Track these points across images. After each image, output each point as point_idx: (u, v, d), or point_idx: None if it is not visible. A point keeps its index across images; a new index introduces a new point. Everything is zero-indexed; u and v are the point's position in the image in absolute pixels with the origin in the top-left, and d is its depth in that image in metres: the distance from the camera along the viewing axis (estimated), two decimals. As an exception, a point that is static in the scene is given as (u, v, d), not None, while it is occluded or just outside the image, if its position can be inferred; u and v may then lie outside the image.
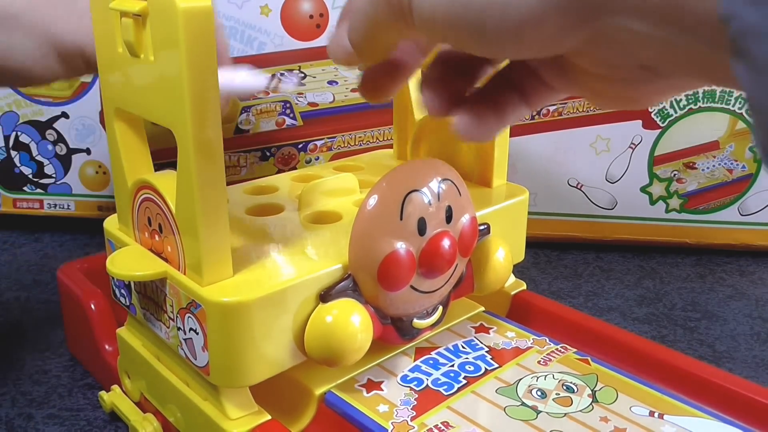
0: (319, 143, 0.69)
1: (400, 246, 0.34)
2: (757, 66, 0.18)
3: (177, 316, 0.34)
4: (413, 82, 0.48)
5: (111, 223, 0.39)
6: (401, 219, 0.34)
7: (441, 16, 0.24)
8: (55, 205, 0.71)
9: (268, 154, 0.69)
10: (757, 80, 0.18)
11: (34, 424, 0.44)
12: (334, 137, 0.69)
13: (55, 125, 0.69)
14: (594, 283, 0.64)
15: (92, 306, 0.45)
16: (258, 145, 0.68)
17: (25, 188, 0.71)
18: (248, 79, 0.40)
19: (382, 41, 0.29)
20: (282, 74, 0.68)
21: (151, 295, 0.36)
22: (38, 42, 0.43)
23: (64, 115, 0.69)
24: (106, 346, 0.44)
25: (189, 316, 0.33)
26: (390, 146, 0.53)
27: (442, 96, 0.30)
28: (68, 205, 0.71)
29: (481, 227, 0.40)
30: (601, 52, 0.24)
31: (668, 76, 0.25)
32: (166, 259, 0.34)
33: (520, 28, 0.23)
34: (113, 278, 0.39)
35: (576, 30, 0.23)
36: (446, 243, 0.35)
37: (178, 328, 0.34)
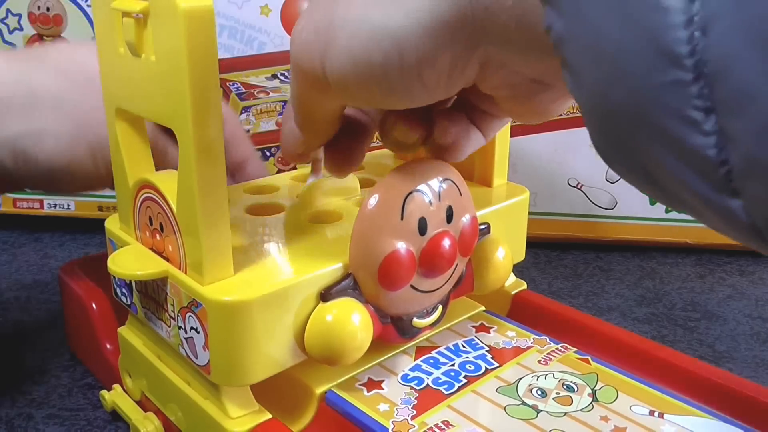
0: (319, 143, 0.69)
1: (401, 245, 0.34)
2: (572, 70, 0.19)
3: (178, 315, 0.34)
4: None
5: (112, 223, 0.39)
6: (402, 219, 0.34)
7: (351, 78, 0.26)
8: (55, 205, 0.71)
9: (268, 154, 0.69)
10: (575, 83, 0.19)
11: (34, 424, 0.44)
12: (334, 137, 0.69)
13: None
14: (594, 283, 0.65)
15: (93, 305, 0.45)
16: (258, 145, 0.68)
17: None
18: None
19: (319, 116, 0.31)
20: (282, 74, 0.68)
21: (152, 294, 0.36)
22: (74, 130, 0.40)
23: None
24: (107, 345, 0.44)
25: (190, 315, 0.33)
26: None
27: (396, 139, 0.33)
28: (68, 205, 0.71)
29: (482, 227, 0.40)
30: (493, 76, 0.27)
31: (553, 86, 0.28)
32: (167, 259, 0.35)
33: (419, 69, 0.25)
34: (114, 277, 0.39)
35: (466, 61, 0.25)
36: (447, 243, 0.35)
37: (179, 327, 0.34)
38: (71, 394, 0.46)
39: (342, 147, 0.34)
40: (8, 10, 0.69)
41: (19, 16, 0.70)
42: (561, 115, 0.67)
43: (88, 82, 0.41)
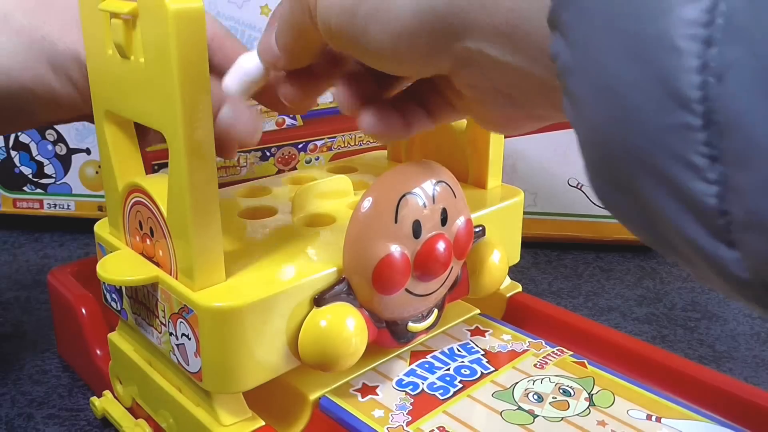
0: (319, 143, 0.69)
1: (395, 249, 0.33)
2: (574, 101, 0.19)
3: (169, 322, 0.34)
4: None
5: (102, 227, 0.39)
6: (396, 222, 0.33)
7: (334, 23, 0.26)
8: (55, 205, 0.71)
9: (268, 154, 0.68)
10: (576, 114, 0.19)
11: (34, 424, 0.43)
12: (334, 137, 0.69)
13: (55, 125, 0.69)
14: (594, 283, 0.64)
15: (83, 310, 0.45)
16: (258, 145, 0.68)
17: (25, 188, 0.71)
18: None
19: (302, 45, 0.30)
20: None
21: (142, 300, 0.35)
22: (26, 44, 0.39)
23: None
24: (98, 351, 0.44)
25: (181, 322, 0.33)
26: (386, 147, 0.53)
27: (354, 94, 0.31)
28: (68, 205, 0.71)
29: (477, 229, 0.39)
30: (466, 74, 0.26)
31: (524, 105, 0.27)
32: (157, 264, 0.34)
33: (397, 42, 0.25)
34: (104, 283, 0.39)
35: (443, 50, 0.25)
36: (441, 246, 0.35)
37: (170, 334, 0.34)
38: (71, 394, 0.46)
39: (304, 79, 0.33)
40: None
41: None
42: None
43: None
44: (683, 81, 0.16)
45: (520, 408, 0.35)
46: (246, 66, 0.33)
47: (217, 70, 0.37)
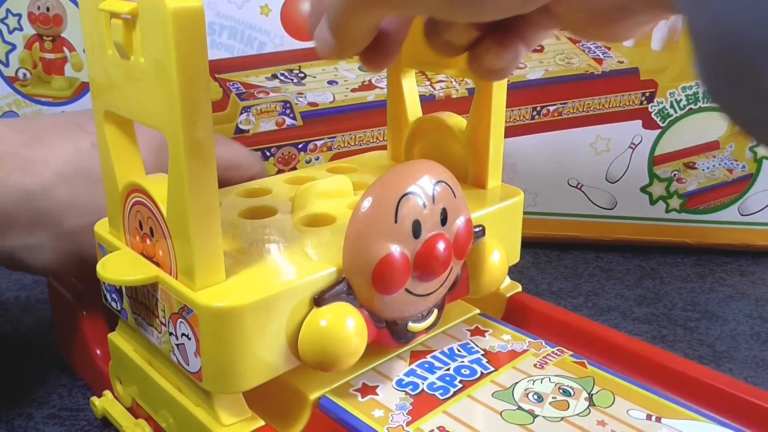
0: (319, 143, 0.69)
1: (395, 249, 0.33)
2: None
3: (169, 321, 0.33)
4: (408, 83, 0.48)
5: (101, 227, 0.39)
6: (396, 221, 0.33)
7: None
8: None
9: (268, 154, 0.68)
10: (697, 7, 0.18)
11: (34, 424, 0.43)
12: (334, 137, 0.69)
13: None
14: (594, 283, 0.64)
15: (83, 310, 0.45)
16: (258, 145, 0.68)
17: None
18: None
19: (364, 27, 0.30)
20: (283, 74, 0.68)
21: (142, 300, 0.35)
22: (65, 247, 0.42)
23: (64, 115, 0.69)
24: (97, 351, 0.44)
25: (181, 322, 0.33)
26: (385, 147, 0.53)
27: (446, 41, 0.31)
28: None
29: (476, 229, 0.39)
30: (579, 1, 0.26)
31: (639, 12, 0.27)
32: (157, 264, 0.34)
33: None
34: (104, 282, 0.39)
35: None
36: (441, 246, 0.35)
37: (170, 334, 0.34)
38: (71, 394, 0.46)
39: (378, 46, 0.33)
40: (8, 10, 0.69)
41: (19, 16, 0.69)
42: (561, 115, 0.67)
43: (89, 187, 0.42)
44: None
45: (520, 408, 0.35)
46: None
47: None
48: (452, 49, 0.33)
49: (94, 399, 0.43)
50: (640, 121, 0.66)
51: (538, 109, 0.67)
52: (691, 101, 0.65)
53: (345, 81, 0.68)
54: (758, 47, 0.17)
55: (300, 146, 0.68)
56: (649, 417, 0.34)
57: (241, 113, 0.68)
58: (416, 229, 0.34)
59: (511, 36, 0.31)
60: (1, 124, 0.44)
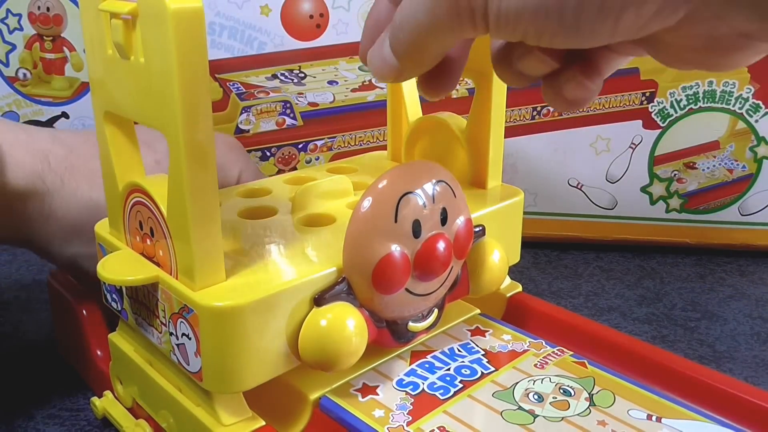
0: (319, 143, 0.69)
1: (395, 248, 0.33)
2: None
3: (169, 321, 0.33)
4: (408, 83, 0.48)
5: (102, 227, 0.39)
6: (396, 221, 0.33)
7: (529, 16, 0.24)
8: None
9: (268, 154, 0.68)
10: None
11: (34, 424, 0.43)
12: (334, 137, 0.69)
13: (55, 125, 0.69)
14: (594, 283, 0.64)
15: (83, 311, 0.45)
16: (258, 145, 0.68)
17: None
18: None
19: (437, 50, 0.28)
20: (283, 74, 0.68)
21: (142, 300, 0.35)
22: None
23: (65, 115, 0.69)
24: (98, 352, 0.44)
25: (181, 321, 0.33)
26: (385, 147, 0.53)
27: (519, 71, 0.29)
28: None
29: (477, 229, 0.39)
30: (699, 26, 0.24)
31: (764, 40, 0.24)
32: (157, 264, 0.34)
33: (620, 13, 0.22)
34: (104, 283, 0.39)
35: (677, 9, 0.22)
36: (441, 245, 0.35)
37: (171, 334, 0.34)
38: (71, 394, 0.46)
39: (442, 71, 0.31)
40: (8, 10, 0.69)
41: (19, 16, 0.69)
42: (561, 115, 0.67)
43: None
44: None
45: (520, 408, 0.35)
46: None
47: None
48: (524, 80, 0.30)
49: (95, 399, 0.43)
50: (641, 121, 0.66)
51: (538, 109, 0.67)
52: (691, 101, 0.65)
53: (345, 81, 0.68)
54: None
55: (300, 146, 0.68)
56: (649, 417, 0.34)
57: (241, 113, 0.68)
58: (416, 229, 0.34)
59: (593, 64, 0.29)
60: (76, 136, 0.46)
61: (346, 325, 0.33)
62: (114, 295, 0.38)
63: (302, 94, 0.68)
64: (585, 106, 0.30)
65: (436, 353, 0.39)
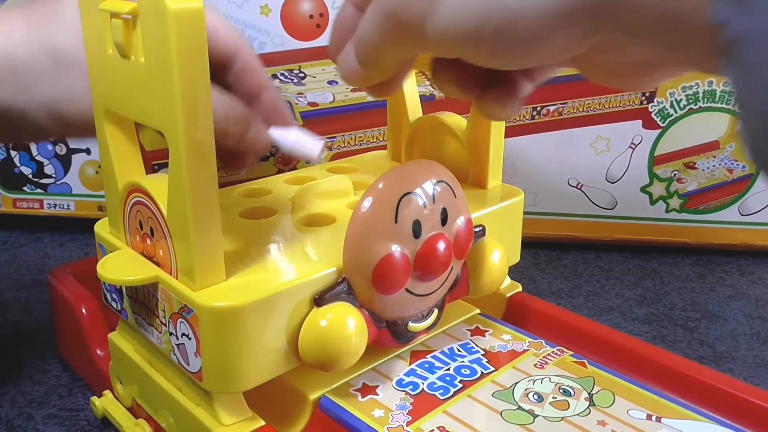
0: (319, 143, 0.69)
1: (395, 249, 0.33)
2: (749, 71, 0.18)
3: (169, 321, 0.33)
4: (408, 83, 0.48)
5: (102, 227, 0.39)
6: (396, 221, 0.33)
7: (454, 38, 0.26)
8: (55, 205, 0.71)
9: (268, 154, 0.68)
10: (750, 85, 0.18)
11: (34, 424, 0.43)
12: (334, 137, 0.69)
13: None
14: (594, 283, 0.64)
15: (83, 310, 0.45)
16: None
17: (25, 188, 0.71)
18: (301, 140, 0.39)
19: (395, 61, 0.30)
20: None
21: (142, 300, 0.35)
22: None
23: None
24: (98, 351, 0.44)
25: (181, 321, 0.33)
26: (385, 147, 0.53)
27: (459, 80, 0.31)
28: (68, 205, 0.71)
29: (477, 229, 0.39)
30: (605, 56, 0.26)
31: (665, 67, 0.27)
32: (157, 263, 0.34)
33: (530, 46, 0.24)
34: (104, 282, 0.39)
35: (581, 43, 0.25)
36: (441, 245, 0.35)
37: (171, 333, 0.34)
38: (71, 394, 0.46)
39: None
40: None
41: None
42: (561, 115, 0.66)
43: None
44: None
45: (520, 408, 0.35)
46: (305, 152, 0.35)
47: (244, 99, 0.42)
48: (458, 93, 0.32)
49: (94, 399, 0.43)
50: (640, 121, 0.66)
51: (538, 109, 0.67)
52: (691, 101, 0.65)
53: (345, 81, 0.68)
54: None
55: (300, 146, 0.68)
56: (649, 417, 0.34)
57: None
58: (416, 229, 0.34)
59: (520, 81, 0.31)
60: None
61: (346, 325, 0.33)
62: (114, 295, 0.38)
63: (302, 94, 0.68)
64: (509, 118, 0.33)
65: (436, 353, 0.39)
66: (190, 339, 0.32)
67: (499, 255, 0.40)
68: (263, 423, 0.34)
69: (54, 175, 0.70)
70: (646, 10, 0.22)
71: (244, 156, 0.45)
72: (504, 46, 0.25)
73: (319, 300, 0.33)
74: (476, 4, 0.24)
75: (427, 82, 0.68)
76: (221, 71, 0.45)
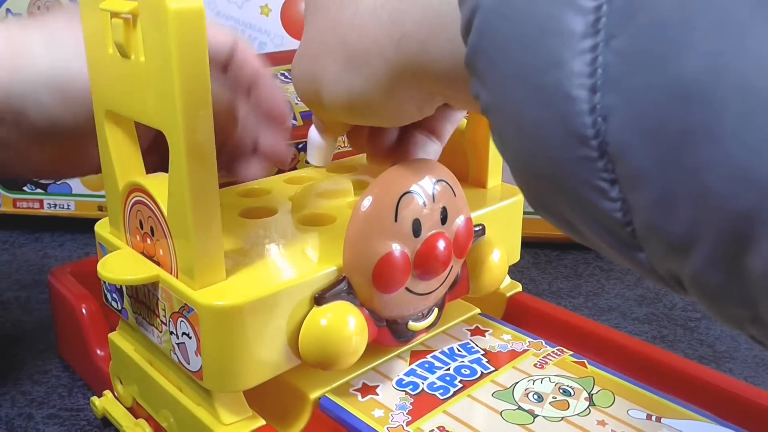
0: (318, 143, 0.68)
1: (395, 248, 0.33)
2: (499, 135, 0.22)
3: (169, 321, 0.34)
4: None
5: (102, 227, 0.39)
6: (396, 220, 0.33)
7: (340, 112, 0.32)
8: (55, 205, 0.71)
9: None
10: (502, 146, 0.22)
11: (34, 424, 0.43)
12: (334, 137, 0.69)
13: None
14: (594, 283, 0.64)
15: (83, 310, 0.45)
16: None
17: (25, 188, 0.71)
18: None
19: (326, 120, 0.36)
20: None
21: (143, 299, 0.35)
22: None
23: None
24: (98, 351, 0.44)
25: (182, 321, 0.33)
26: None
27: (376, 145, 0.37)
28: (68, 205, 0.71)
29: (477, 228, 0.39)
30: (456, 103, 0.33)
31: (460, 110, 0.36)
32: (158, 263, 0.34)
33: (391, 115, 0.31)
34: (104, 282, 0.39)
35: (430, 99, 0.31)
36: (441, 244, 0.35)
37: (171, 333, 0.34)
38: (71, 394, 0.46)
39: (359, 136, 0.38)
40: (8, 10, 0.69)
41: (19, 15, 0.69)
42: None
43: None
44: (579, 122, 0.18)
45: (520, 408, 0.35)
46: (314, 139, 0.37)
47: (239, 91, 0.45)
48: (367, 151, 0.38)
49: (95, 399, 0.43)
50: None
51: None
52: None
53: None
54: (547, 185, 0.21)
55: (300, 146, 0.68)
56: (649, 417, 0.34)
57: (241, 113, 0.67)
58: (416, 228, 0.34)
59: (424, 138, 0.36)
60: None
61: (347, 324, 0.33)
62: (114, 295, 0.38)
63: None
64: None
65: (436, 353, 0.39)
66: (190, 338, 0.32)
67: (499, 254, 0.40)
68: (263, 422, 0.34)
69: (54, 175, 0.70)
70: (441, 73, 0.27)
71: (259, 161, 0.47)
72: (367, 112, 0.31)
73: (320, 299, 0.33)
74: (340, 92, 0.31)
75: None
76: (220, 67, 0.45)
